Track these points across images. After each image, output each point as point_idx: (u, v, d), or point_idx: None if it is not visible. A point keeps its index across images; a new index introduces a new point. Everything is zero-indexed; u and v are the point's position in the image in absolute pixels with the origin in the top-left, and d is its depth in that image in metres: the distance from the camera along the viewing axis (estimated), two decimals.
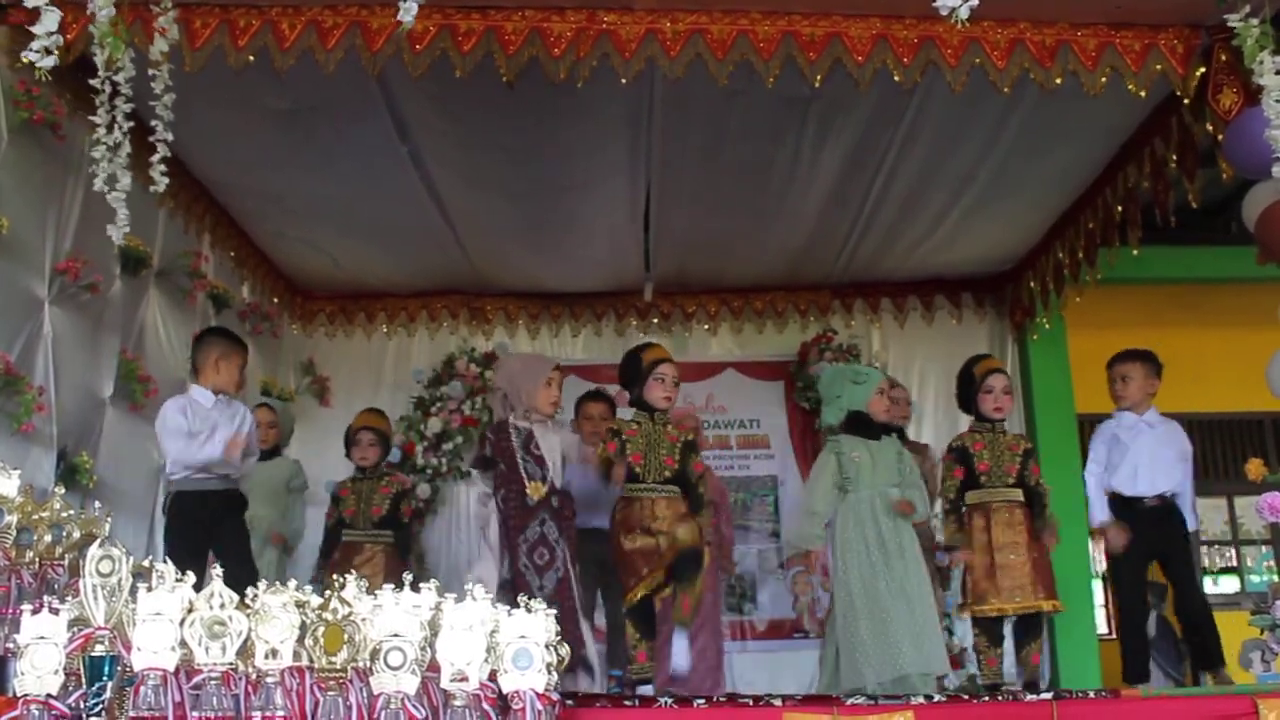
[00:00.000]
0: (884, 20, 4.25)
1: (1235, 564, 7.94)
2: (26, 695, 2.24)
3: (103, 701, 2.27)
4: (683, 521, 4.45)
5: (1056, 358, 7.21)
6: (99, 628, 2.34)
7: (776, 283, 7.33)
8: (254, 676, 2.32)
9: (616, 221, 6.25)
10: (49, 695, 2.25)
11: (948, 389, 5.72)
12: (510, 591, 4.21)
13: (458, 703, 2.32)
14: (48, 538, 3.03)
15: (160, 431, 4.53)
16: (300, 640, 2.33)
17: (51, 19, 3.00)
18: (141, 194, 3.90)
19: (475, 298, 7.46)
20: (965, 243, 6.66)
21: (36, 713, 2.24)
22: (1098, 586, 7.48)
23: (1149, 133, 5.05)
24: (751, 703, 3.69)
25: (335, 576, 2.54)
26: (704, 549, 4.53)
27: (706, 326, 7.54)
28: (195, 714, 2.26)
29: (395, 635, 2.30)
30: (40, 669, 2.25)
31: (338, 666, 2.31)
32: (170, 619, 2.28)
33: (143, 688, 2.23)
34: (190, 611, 2.31)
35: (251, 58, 4.17)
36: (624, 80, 4.26)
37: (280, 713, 2.27)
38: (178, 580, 2.35)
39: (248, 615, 2.33)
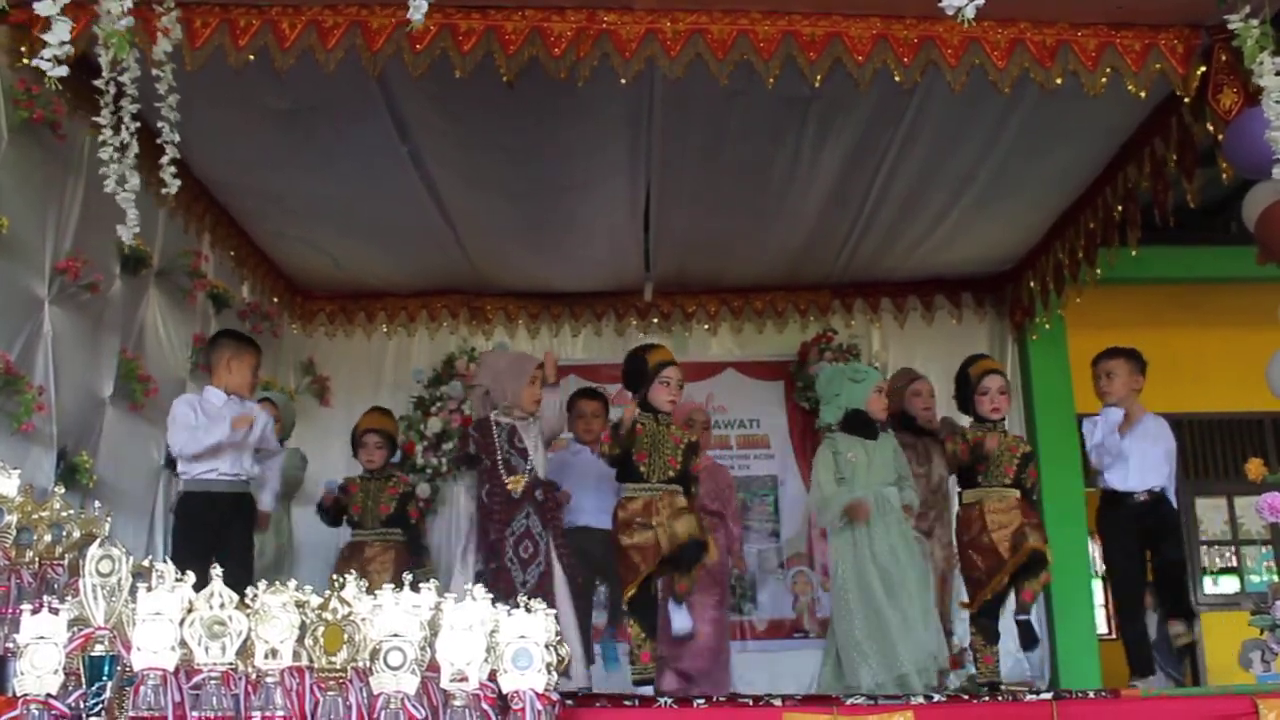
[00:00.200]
0: (884, 20, 4.25)
1: (1235, 564, 7.93)
2: (26, 695, 2.24)
3: (102, 701, 2.27)
4: (680, 515, 4.48)
5: (1056, 358, 7.21)
6: (99, 627, 2.35)
7: (776, 283, 7.33)
8: (254, 676, 2.32)
9: (616, 221, 6.25)
10: (49, 695, 2.25)
11: (947, 389, 5.71)
12: (490, 583, 4.25)
13: (457, 703, 2.32)
14: (48, 537, 3.03)
15: (170, 426, 4.61)
16: (300, 640, 2.33)
17: (63, 28, 2.99)
18: (142, 193, 3.88)
19: (475, 298, 7.46)
20: (965, 243, 6.66)
21: (36, 712, 2.23)
22: (1097, 586, 7.49)
23: (1149, 133, 5.05)
24: (751, 703, 3.70)
25: (336, 577, 2.54)
26: (706, 540, 4.56)
27: (706, 326, 7.54)
28: (195, 714, 2.26)
29: (395, 635, 2.30)
30: (40, 669, 2.25)
31: (337, 666, 2.31)
32: (170, 619, 2.28)
33: (142, 688, 2.23)
34: (190, 611, 2.31)
35: (252, 57, 4.17)
36: (624, 80, 4.26)
37: (280, 713, 2.28)
38: (177, 580, 2.35)
39: (247, 615, 2.33)
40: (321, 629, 2.33)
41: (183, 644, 2.29)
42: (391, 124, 5.07)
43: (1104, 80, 4.30)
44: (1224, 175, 4.48)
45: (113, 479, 4.78)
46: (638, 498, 4.55)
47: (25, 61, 4.10)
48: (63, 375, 4.44)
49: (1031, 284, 6.89)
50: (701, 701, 3.55)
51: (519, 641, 2.40)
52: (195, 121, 3.72)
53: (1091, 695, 3.86)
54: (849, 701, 3.47)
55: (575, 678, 4.40)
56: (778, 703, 3.46)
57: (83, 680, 2.31)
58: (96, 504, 3.55)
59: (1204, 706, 3.24)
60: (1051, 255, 6.51)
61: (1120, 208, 5.53)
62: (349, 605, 2.38)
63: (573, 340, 7.59)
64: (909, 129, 5.20)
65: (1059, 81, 4.30)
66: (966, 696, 4.16)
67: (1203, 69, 4.31)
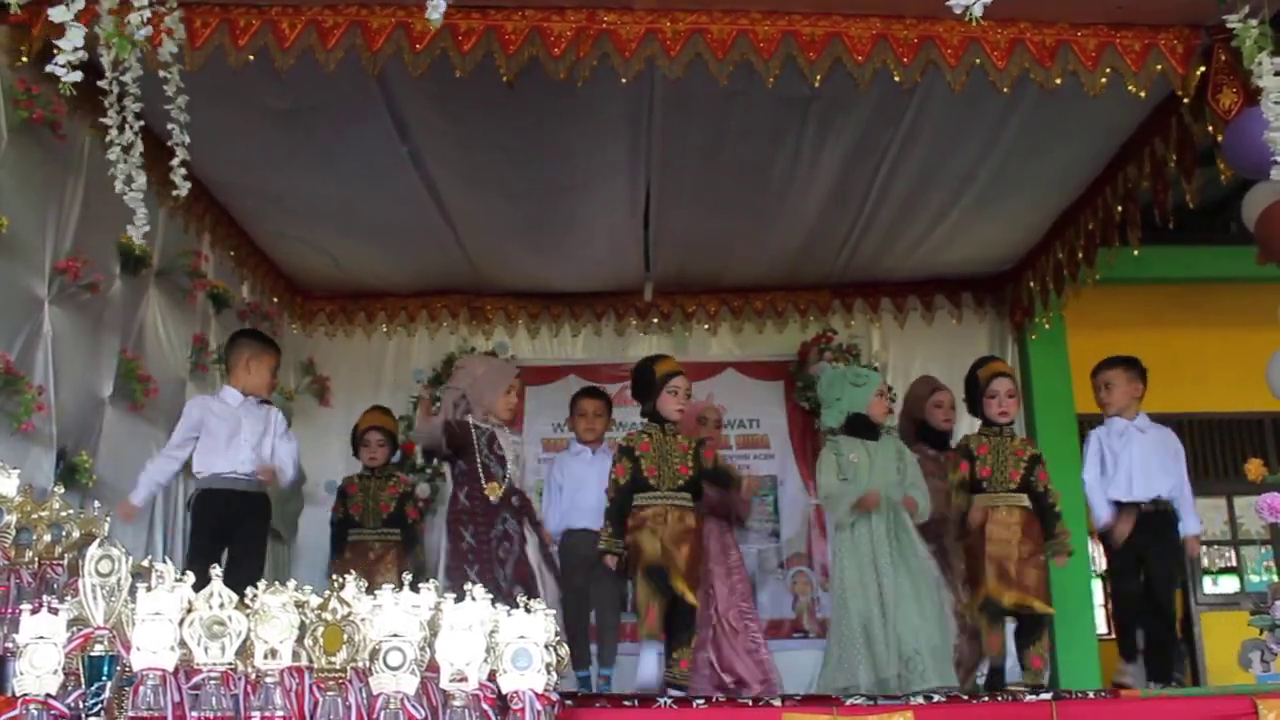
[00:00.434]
0: (884, 20, 4.25)
1: (1235, 564, 7.93)
2: (25, 695, 2.25)
3: (102, 701, 2.27)
4: (683, 539, 4.61)
5: (1056, 358, 7.20)
6: (98, 627, 2.35)
7: (776, 283, 7.33)
8: (253, 676, 2.32)
9: (616, 221, 6.25)
10: (48, 695, 2.25)
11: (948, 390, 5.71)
12: (456, 577, 4.40)
13: (457, 703, 2.32)
14: (47, 537, 3.03)
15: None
16: (300, 640, 2.34)
17: (76, 34, 2.98)
18: (142, 193, 3.89)
19: (475, 298, 7.46)
20: (965, 242, 6.66)
21: (35, 712, 2.24)
22: (1097, 587, 7.48)
23: (1149, 133, 5.04)
24: (751, 703, 3.70)
25: (337, 577, 2.54)
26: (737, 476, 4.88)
27: (706, 326, 7.53)
28: (194, 714, 2.26)
29: (395, 635, 2.30)
30: (39, 669, 2.25)
31: (337, 667, 2.31)
32: (169, 619, 2.28)
33: (142, 688, 2.23)
34: (189, 611, 2.31)
35: (252, 57, 4.17)
36: (624, 80, 4.26)
37: (279, 713, 2.28)
38: (177, 580, 2.35)
39: (247, 615, 2.33)
40: (321, 629, 2.33)
41: (182, 644, 2.29)
42: (391, 124, 5.07)
43: (1104, 80, 4.30)
44: (1223, 175, 4.48)
45: (112, 479, 4.77)
46: (648, 507, 4.67)
47: (25, 61, 4.10)
48: (63, 375, 4.44)
49: (1031, 284, 6.88)
50: (701, 702, 3.56)
51: (518, 642, 2.40)
52: (195, 121, 3.71)
53: (1091, 695, 3.87)
54: (849, 702, 3.48)
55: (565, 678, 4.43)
56: (777, 703, 3.47)
57: (82, 680, 2.31)
58: (96, 504, 3.55)
59: (1203, 707, 3.24)
60: (1051, 255, 6.51)
61: (1120, 208, 5.52)
62: (348, 605, 2.38)
63: (573, 340, 7.59)
64: (909, 129, 5.19)
65: (1059, 81, 4.29)
66: (966, 697, 4.16)
67: (1202, 69, 4.30)
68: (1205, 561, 7.89)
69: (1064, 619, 6.79)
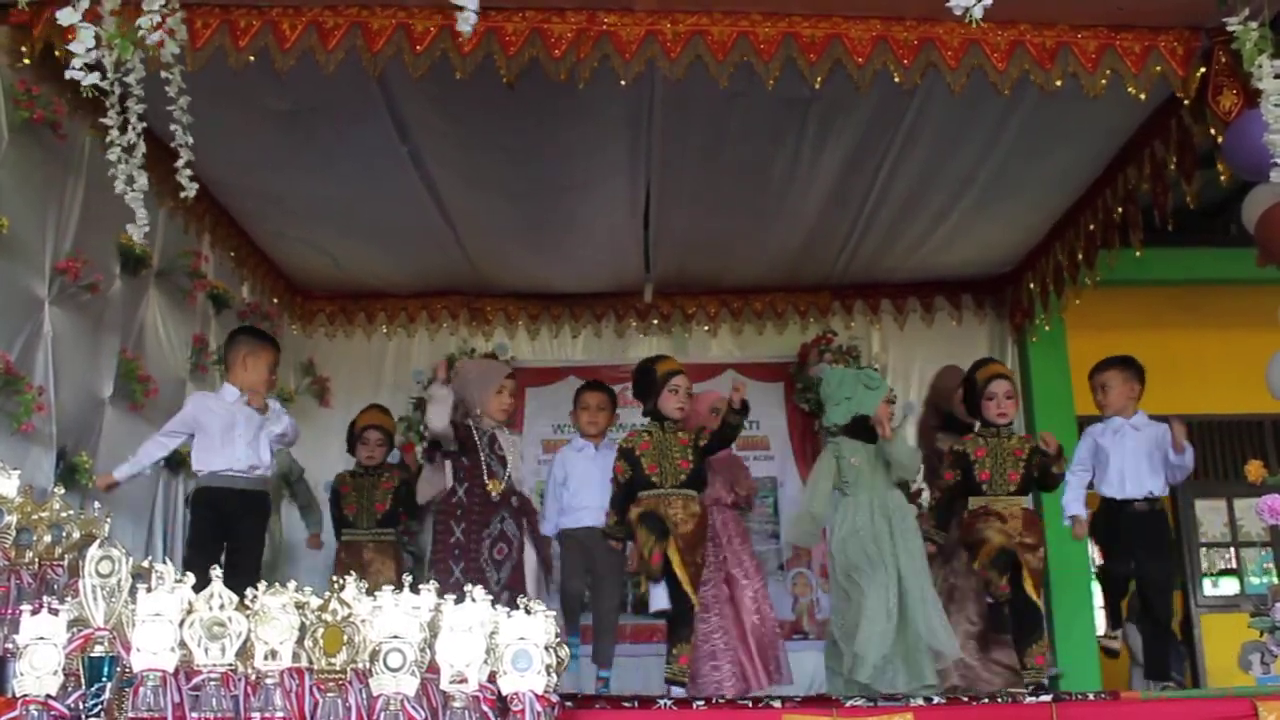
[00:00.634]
0: (884, 22, 4.25)
1: (1235, 566, 7.94)
2: (26, 696, 2.24)
3: (102, 702, 2.27)
4: (690, 520, 4.69)
5: (1056, 359, 7.21)
6: (98, 628, 2.35)
7: (776, 283, 7.33)
8: (253, 677, 2.32)
9: (616, 222, 6.25)
10: (48, 696, 2.25)
11: None
12: (441, 572, 4.48)
13: (457, 704, 2.32)
14: (47, 538, 3.03)
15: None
16: (300, 641, 2.33)
17: (88, 35, 2.98)
18: (143, 194, 3.89)
19: (475, 298, 7.46)
20: (965, 244, 6.66)
21: (35, 713, 2.23)
22: (1097, 587, 7.47)
23: (1149, 134, 5.04)
24: (751, 704, 3.70)
25: (336, 579, 2.54)
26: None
27: (706, 327, 7.54)
28: (194, 715, 2.26)
29: (395, 637, 2.30)
30: (39, 669, 2.25)
31: (337, 668, 2.31)
32: (170, 620, 2.28)
33: (142, 688, 2.23)
34: (190, 612, 2.31)
35: (252, 58, 4.17)
36: (624, 82, 4.26)
37: (279, 714, 2.28)
38: (177, 581, 2.35)
39: (247, 616, 2.33)
40: (321, 630, 2.33)
41: (182, 645, 2.29)
42: (392, 125, 5.07)
43: (1104, 82, 4.30)
44: (1223, 177, 4.48)
45: None
46: (649, 499, 4.73)
47: (26, 61, 4.10)
48: (63, 375, 4.44)
49: (1031, 285, 6.89)
50: (701, 703, 3.56)
51: (518, 643, 2.40)
52: (196, 122, 3.70)
53: (1091, 696, 3.87)
54: (849, 703, 3.48)
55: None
56: (777, 704, 3.46)
57: (82, 681, 2.31)
58: (96, 504, 3.56)
59: (1203, 708, 3.25)
60: (1051, 257, 6.51)
61: (1120, 209, 5.53)
62: (349, 607, 2.38)
63: (573, 341, 7.59)
64: (909, 130, 5.20)
65: (1059, 83, 4.29)
66: (966, 698, 4.17)
67: (1202, 71, 4.30)
68: (1205, 564, 7.90)
69: (1064, 619, 6.80)
